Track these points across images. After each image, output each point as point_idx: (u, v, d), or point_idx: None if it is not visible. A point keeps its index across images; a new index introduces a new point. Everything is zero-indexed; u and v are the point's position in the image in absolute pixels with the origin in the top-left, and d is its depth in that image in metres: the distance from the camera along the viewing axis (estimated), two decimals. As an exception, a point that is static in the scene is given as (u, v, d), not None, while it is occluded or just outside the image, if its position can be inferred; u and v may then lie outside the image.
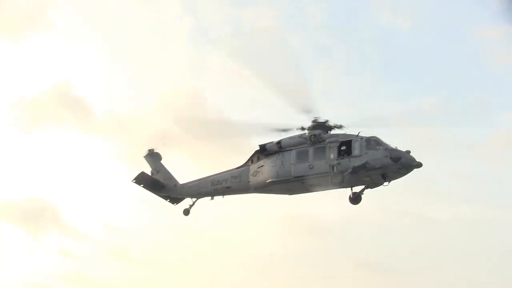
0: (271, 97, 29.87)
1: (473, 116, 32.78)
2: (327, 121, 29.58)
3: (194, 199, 32.54)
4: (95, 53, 78.56)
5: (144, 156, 34.83)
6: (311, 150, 28.77)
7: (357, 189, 29.07)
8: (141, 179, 33.13)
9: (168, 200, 34.15)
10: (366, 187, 28.79)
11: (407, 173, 27.43)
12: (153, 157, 34.60)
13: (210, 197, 31.99)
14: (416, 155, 27.70)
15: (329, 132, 29.52)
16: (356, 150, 27.68)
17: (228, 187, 31.18)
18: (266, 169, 29.74)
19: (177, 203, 34.22)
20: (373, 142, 27.72)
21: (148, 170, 34.40)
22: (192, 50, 70.71)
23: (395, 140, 28.57)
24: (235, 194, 31.31)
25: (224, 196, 31.63)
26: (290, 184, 29.05)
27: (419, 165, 27.10)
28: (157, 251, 61.40)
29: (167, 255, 61.28)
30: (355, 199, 29.06)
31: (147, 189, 33.49)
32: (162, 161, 34.58)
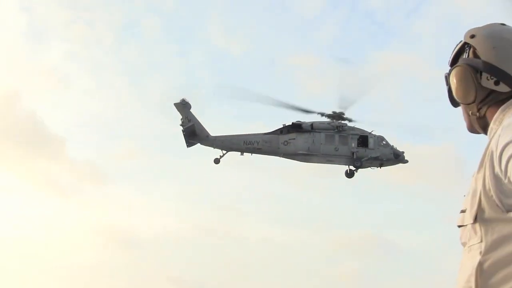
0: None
1: None
2: (342, 113, 39.37)
3: (224, 151, 39.10)
4: None
5: (175, 104, 39.14)
6: (336, 136, 38.43)
7: (352, 167, 39.99)
8: (189, 130, 38.13)
9: (187, 144, 39.78)
10: (360, 167, 39.92)
11: (396, 164, 39.50)
12: (184, 106, 39.27)
13: (240, 153, 39.05)
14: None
15: (341, 121, 39.43)
16: (371, 144, 38.48)
17: (259, 148, 38.66)
18: (299, 142, 38.30)
19: (190, 147, 40.16)
20: (380, 140, 38.88)
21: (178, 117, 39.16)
22: (21, 50, 66.88)
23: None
24: (264, 155, 39.07)
25: (253, 154, 39.16)
26: (316, 157, 38.41)
27: (407, 161, 39.38)
28: None
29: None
30: (351, 174, 39.92)
31: (185, 136, 38.57)
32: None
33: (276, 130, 39.25)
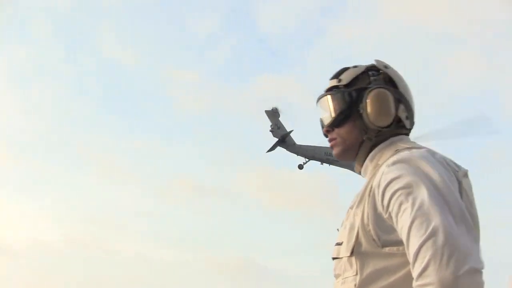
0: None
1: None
2: None
3: (307, 159, 43.45)
4: None
5: (266, 111, 43.21)
6: None
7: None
8: (284, 136, 42.31)
9: (272, 148, 43.91)
10: None
11: None
12: (275, 114, 43.21)
13: (320, 162, 43.17)
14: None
15: None
16: None
17: (337, 161, 42.47)
18: None
19: (270, 151, 44.23)
20: None
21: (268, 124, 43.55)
22: None
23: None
24: (340, 167, 42.81)
25: (331, 165, 43.07)
26: None
27: None
28: None
29: None
30: None
31: (277, 141, 42.98)
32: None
33: None
